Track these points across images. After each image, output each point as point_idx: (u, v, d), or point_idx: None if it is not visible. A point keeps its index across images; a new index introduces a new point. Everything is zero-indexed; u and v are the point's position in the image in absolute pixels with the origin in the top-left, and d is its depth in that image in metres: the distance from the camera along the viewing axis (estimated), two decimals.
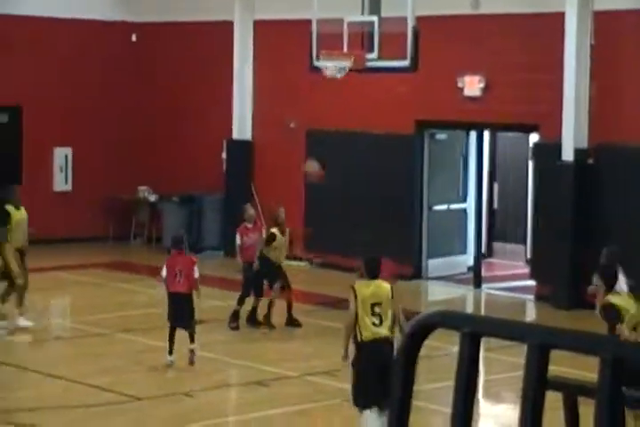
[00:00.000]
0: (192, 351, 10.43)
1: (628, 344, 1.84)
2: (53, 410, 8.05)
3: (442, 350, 10.23)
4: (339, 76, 14.66)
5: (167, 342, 10.38)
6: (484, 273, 15.53)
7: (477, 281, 15.23)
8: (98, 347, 11.34)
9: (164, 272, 10.54)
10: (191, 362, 10.42)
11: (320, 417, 9.01)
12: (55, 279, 15.15)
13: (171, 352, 10.39)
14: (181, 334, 10.57)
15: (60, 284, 14.98)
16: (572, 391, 2.42)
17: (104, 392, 9.48)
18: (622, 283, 8.66)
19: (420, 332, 2.15)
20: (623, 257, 10.17)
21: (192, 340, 10.48)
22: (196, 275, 10.49)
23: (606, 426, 1.85)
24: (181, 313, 10.42)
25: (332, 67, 14.50)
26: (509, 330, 2.07)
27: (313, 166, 10.69)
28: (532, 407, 1.94)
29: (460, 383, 2.05)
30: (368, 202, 15.86)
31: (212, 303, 13.80)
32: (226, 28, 17.33)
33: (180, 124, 18.41)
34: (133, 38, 18.64)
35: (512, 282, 15.55)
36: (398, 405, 2.12)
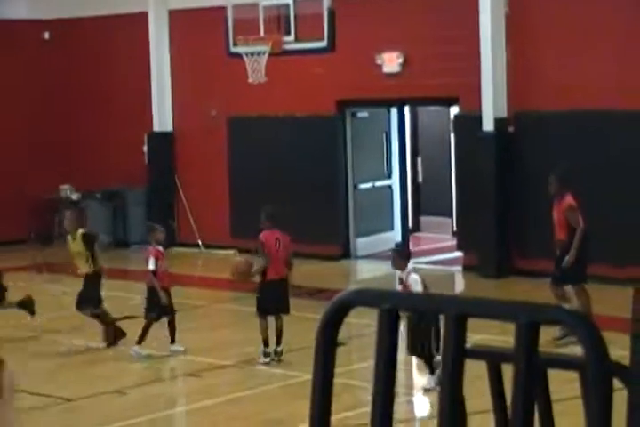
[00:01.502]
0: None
1: (540, 309, 1.83)
2: None
3: (373, 327, 10.27)
4: (262, 81, 14.58)
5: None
6: (412, 248, 15.59)
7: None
8: (26, 351, 11.13)
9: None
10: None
11: (253, 404, 8.96)
12: None
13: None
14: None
15: None
16: (495, 359, 2.41)
17: (33, 396, 9.31)
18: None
19: (338, 311, 2.11)
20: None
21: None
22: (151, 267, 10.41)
23: (523, 390, 1.85)
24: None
25: (254, 75, 14.42)
26: (426, 303, 2.07)
27: (240, 263, 10.14)
28: (451, 377, 1.92)
29: (380, 360, 2.01)
30: (294, 185, 15.83)
31: (142, 298, 13.66)
32: (141, 19, 17.11)
33: (100, 120, 18.17)
34: (46, 36, 18.30)
35: (440, 255, 15.67)
36: (320, 386, 2.08)
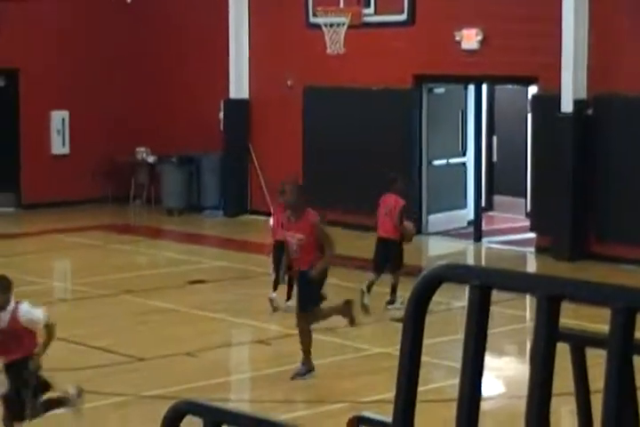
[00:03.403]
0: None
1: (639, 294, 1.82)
2: (58, 372, 8.09)
3: (443, 304, 10.28)
4: (340, 52, 14.56)
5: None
6: (484, 227, 15.53)
7: (478, 235, 15.24)
8: (100, 308, 11.37)
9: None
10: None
11: (321, 375, 9.05)
12: (55, 242, 15.17)
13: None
14: (172, 293, 10.53)
15: (60, 246, 14.99)
16: (580, 342, 2.41)
17: (107, 353, 9.53)
18: None
19: (428, 285, 2.14)
20: None
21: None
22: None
23: (617, 376, 1.84)
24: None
25: (333, 46, 14.40)
26: (519, 282, 2.05)
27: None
28: (543, 360, 1.92)
29: (470, 336, 2.03)
30: (367, 158, 15.82)
31: (213, 264, 13.85)
32: None
33: (177, 85, 18.30)
34: (128, 0, 18.45)
35: (513, 235, 15.56)
36: (408, 358, 2.11)
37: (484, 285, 2.03)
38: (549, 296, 1.95)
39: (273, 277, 11.01)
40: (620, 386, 1.80)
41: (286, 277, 10.49)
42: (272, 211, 11.15)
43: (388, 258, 10.89)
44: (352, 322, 9.32)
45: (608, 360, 1.84)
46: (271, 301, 10.97)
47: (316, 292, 8.83)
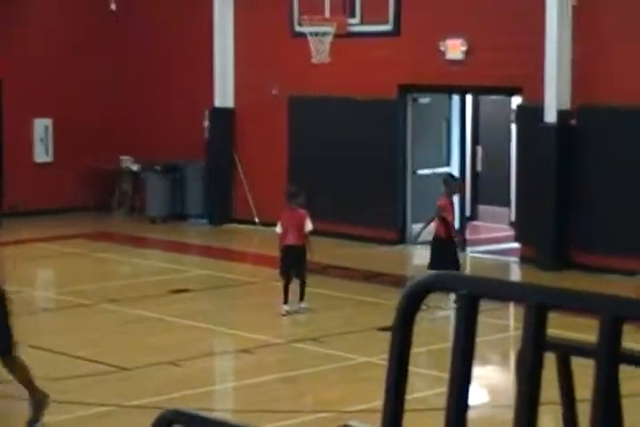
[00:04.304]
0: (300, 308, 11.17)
1: (627, 303, 1.82)
2: (42, 381, 8.04)
3: (427, 313, 10.28)
4: (325, 62, 14.59)
5: (282, 294, 11.10)
6: (468, 236, 15.56)
7: (462, 244, 15.25)
8: (82, 318, 11.32)
9: (278, 228, 11.23)
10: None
11: (306, 384, 9.03)
12: (38, 250, 15.10)
13: (286, 302, 11.10)
14: (166, 304, 10.49)
15: (43, 255, 14.92)
16: (567, 351, 2.41)
17: (91, 363, 9.48)
18: None
19: (417, 295, 2.13)
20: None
21: (302, 297, 11.14)
22: (307, 228, 11.03)
23: (605, 385, 1.84)
24: (294, 264, 11.08)
25: (318, 55, 14.44)
26: (508, 291, 2.04)
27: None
28: (531, 369, 1.92)
29: (458, 346, 2.03)
30: (352, 168, 15.84)
31: (197, 272, 13.82)
32: None
33: (162, 93, 18.29)
34: (112, 7, 18.44)
35: (497, 245, 15.59)
36: (396, 367, 2.10)
37: (472, 294, 2.02)
38: (538, 305, 1.95)
39: (282, 283, 11.26)
40: (608, 395, 1.80)
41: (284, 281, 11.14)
42: (281, 217, 11.45)
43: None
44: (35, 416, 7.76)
45: (596, 369, 1.84)
46: (287, 313, 11.21)
47: None
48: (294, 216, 11.21)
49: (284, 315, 11.13)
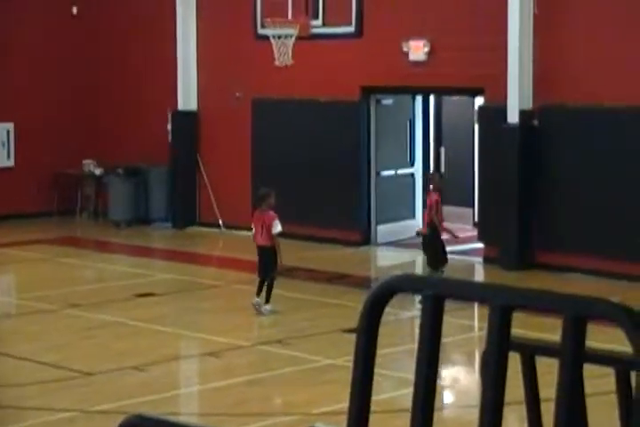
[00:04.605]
0: (261, 307, 11.26)
1: (590, 302, 1.83)
2: (4, 388, 7.97)
3: (390, 315, 10.30)
4: (288, 64, 14.57)
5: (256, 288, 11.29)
6: None
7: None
8: (46, 323, 11.22)
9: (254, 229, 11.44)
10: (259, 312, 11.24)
11: (272, 386, 9.01)
12: (0, 256, 14.95)
13: (258, 294, 11.24)
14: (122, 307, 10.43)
15: (6, 260, 14.78)
16: (531, 351, 2.42)
17: (54, 369, 9.40)
18: None
19: (382, 296, 2.13)
20: None
21: (267, 300, 11.22)
22: (275, 230, 11.12)
23: (569, 384, 1.85)
24: (264, 265, 11.28)
25: (281, 58, 14.42)
26: (472, 291, 2.05)
27: None
28: (496, 370, 1.92)
29: (424, 346, 2.03)
30: (316, 169, 15.84)
31: (161, 276, 13.75)
32: None
33: (125, 97, 18.19)
34: (74, 11, 18.31)
35: (460, 245, 15.63)
36: (361, 369, 2.10)
37: (438, 294, 2.02)
38: (503, 306, 1.95)
39: (257, 280, 11.46)
40: (572, 394, 1.81)
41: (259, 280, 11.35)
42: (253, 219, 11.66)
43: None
44: None
45: (560, 368, 1.85)
46: (254, 305, 11.33)
47: None
48: (263, 218, 11.28)
49: (253, 304, 11.30)
